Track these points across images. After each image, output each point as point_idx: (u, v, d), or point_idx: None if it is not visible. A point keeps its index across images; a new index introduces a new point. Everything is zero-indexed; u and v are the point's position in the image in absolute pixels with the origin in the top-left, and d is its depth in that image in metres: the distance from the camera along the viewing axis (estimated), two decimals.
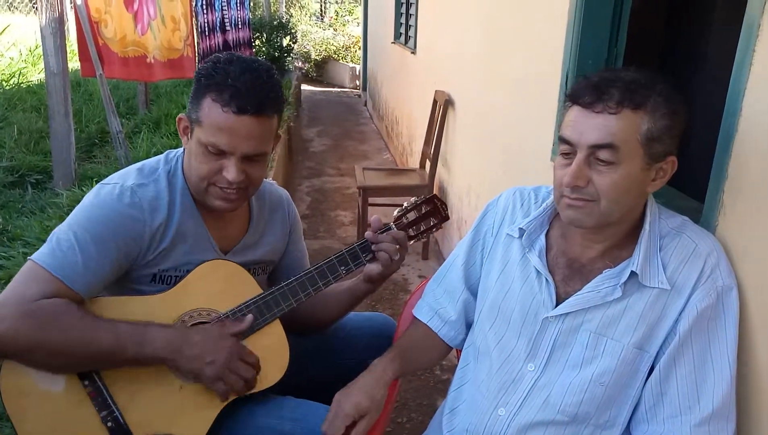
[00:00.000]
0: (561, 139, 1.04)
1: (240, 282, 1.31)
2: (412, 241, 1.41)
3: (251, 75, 1.19)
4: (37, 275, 1.13)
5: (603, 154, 0.99)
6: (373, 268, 1.36)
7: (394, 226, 1.39)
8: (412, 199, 1.44)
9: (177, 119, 1.29)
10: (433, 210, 1.44)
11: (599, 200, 1.01)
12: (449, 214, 1.49)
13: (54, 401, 1.15)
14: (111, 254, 1.18)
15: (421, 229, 1.42)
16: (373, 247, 1.35)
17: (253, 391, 1.26)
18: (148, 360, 1.17)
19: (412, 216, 1.42)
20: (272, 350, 1.29)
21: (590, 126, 0.99)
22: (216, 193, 1.25)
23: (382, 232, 1.36)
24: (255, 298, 1.29)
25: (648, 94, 0.98)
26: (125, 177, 1.26)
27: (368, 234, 1.35)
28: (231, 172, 1.21)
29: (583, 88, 1.01)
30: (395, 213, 1.42)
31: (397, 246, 1.35)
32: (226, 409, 1.24)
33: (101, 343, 1.13)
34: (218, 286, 1.29)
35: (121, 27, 4.11)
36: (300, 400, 1.34)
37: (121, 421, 1.17)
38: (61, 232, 1.18)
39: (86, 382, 1.17)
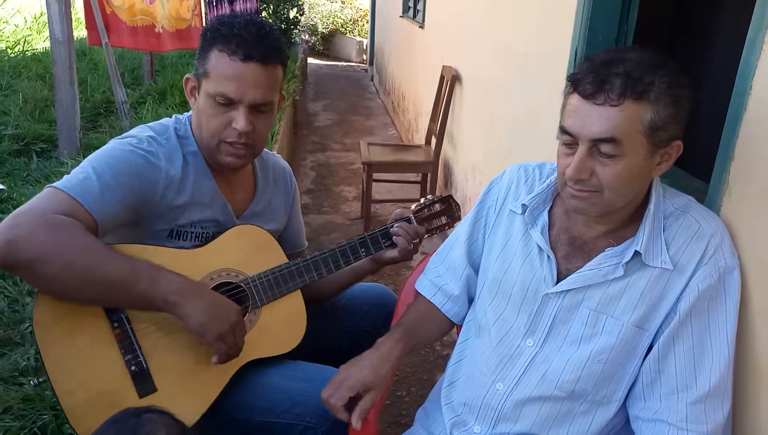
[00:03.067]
0: (562, 129, 1.02)
1: (269, 249, 1.37)
2: (426, 236, 1.54)
3: (255, 26, 1.23)
4: (55, 196, 1.13)
5: (605, 148, 0.97)
6: (389, 253, 1.46)
7: (413, 218, 1.51)
8: (430, 196, 1.57)
9: (184, 80, 1.31)
10: (447, 209, 1.57)
11: (603, 191, 1.00)
12: (461, 216, 1.58)
13: (81, 337, 1.16)
14: (126, 188, 1.19)
15: (436, 224, 1.55)
16: (394, 238, 1.44)
17: (267, 356, 1.31)
18: (157, 300, 1.15)
19: (428, 211, 1.55)
20: (290, 319, 1.34)
21: (591, 119, 0.96)
22: (226, 150, 1.28)
23: (402, 221, 1.48)
24: (281, 266, 1.35)
25: (651, 82, 0.94)
26: (140, 131, 1.29)
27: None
28: (240, 121, 1.23)
29: (585, 75, 0.97)
30: (413, 207, 1.55)
31: (417, 240, 1.47)
32: (240, 370, 1.28)
33: (115, 269, 1.12)
34: (249, 250, 1.34)
35: None
36: (311, 363, 1.38)
37: (144, 366, 1.19)
38: (79, 167, 1.20)
39: (115, 324, 1.19)
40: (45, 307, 1.14)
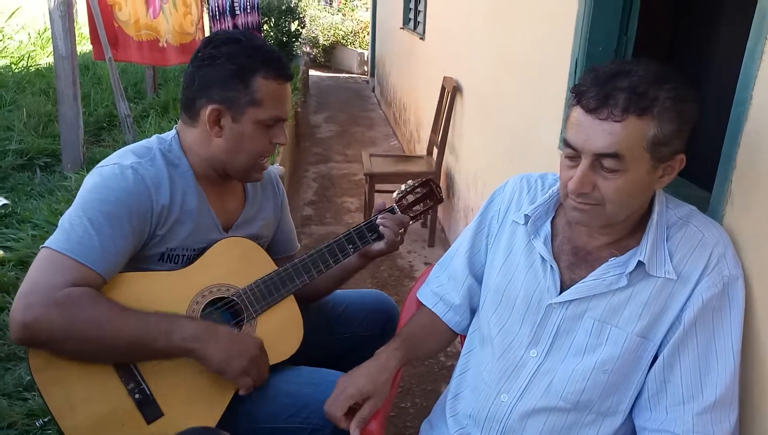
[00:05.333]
0: (565, 142, 1.02)
1: (256, 259, 1.37)
2: (411, 222, 1.53)
3: (271, 46, 1.29)
4: (59, 262, 1.13)
5: (607, 163, 0.96)
6: (375, 246, 1.46)
7: (396, 207, 1.49)
8: (410, 182, 1.54)
9: (209, 110, 1.25)
10: (429, 192, 1.55)
11: (605, 204, 1.00)
12: (443, 197, 1.59)
13: (82, 374, 1.16)
14: (125, 233, 1.19)
15: (418, 210, 1.53)
16: (380, 228, 1.43)
17: (269, 363, 1.30)
18: (176, 350, 1.18)
19: (410, 198, 1.53)
20: (287, 325, 1.34)
21: (594, 133, 0.96)
22: (260, 166, 1.34)
23: (385, 212, 1.47)
24: (271, 274, 1.34)
25: (655, 97, 0.93)
26: (123, 157, 1.26)
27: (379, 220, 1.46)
28: (282, 136, 1.32)
29: (588, 88, 0.97)
30: (395, 195, 1.52)
31: (402, 229, 1.46)
32: None
33: (130, 332, 1.14)
34: (236, 262, 1.33)
35: (135, 10, 4.12)
36: (314, 368, 1.39)
37: (148, 392, 1.19)
38: (72, 217, 1.18)
39: None
40: (39, 351, 1.14)
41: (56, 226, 1.19)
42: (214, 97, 1.25)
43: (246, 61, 1.23)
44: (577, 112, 0.99)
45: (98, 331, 1.12)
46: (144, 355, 1.18)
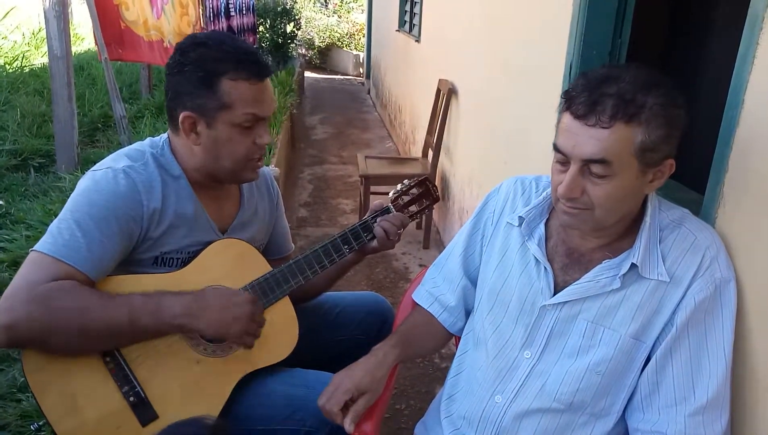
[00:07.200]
0: (555, 147, 1.03)
1: (251, 260, 1.36)
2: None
3: (241, 43, 1.26)
4: (42, 262, 1.12)
5: (596, 168, 0.97)
6: (371, 244, 1.46)
7: (392, 207, 1.48)
8: (406, 181, 1.52)
9: (182, 117, 1.24)
10: (425, 192, 1.53)
11: (594, 209, 1.01)
12: (440, 196, 1.57)
13: (76, 377, 1.16)
14: (114, 235, 1.18)
15: (414, 210, 1.52)
16: (376, 228, 1.43)
17: (264, 365, 1.31)
18: (166, 328, 1.18)
19: (406, 198, 1.51)
20: (282, 326, 1.34)
21: (582, 139, 0.97)
22: (252, 167, 1.31)
23: (382, 214, 1.46)
24: (266, 275, 1.34)
25: (643, 103, 0.94)
26: (115, 161, 1.26)
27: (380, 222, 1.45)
28: (266, 136, 1.28)
29: (578, 94, 0.97)
30: (390, 195, 1.50)
31: (401, 230, 1.45)
32: (240, 380, 1.28)
33: (117, 317, 1.14)
34: (230, 264, 1.33)
35: (142, 11, 4.13)
36: (309, 370, 1.39)
37: (143, 395, 1.19)
38: (60, 220, 1.18)
39: (107, 359, 1.18)
40: (33, 353, 1.13)
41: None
42: (186, 105, 1.24)
43: (212, 65, 1.21)
44: (567, 118, 1.00)
45: (82, 319, 1.11)
46: (134, 337, 1.18)
